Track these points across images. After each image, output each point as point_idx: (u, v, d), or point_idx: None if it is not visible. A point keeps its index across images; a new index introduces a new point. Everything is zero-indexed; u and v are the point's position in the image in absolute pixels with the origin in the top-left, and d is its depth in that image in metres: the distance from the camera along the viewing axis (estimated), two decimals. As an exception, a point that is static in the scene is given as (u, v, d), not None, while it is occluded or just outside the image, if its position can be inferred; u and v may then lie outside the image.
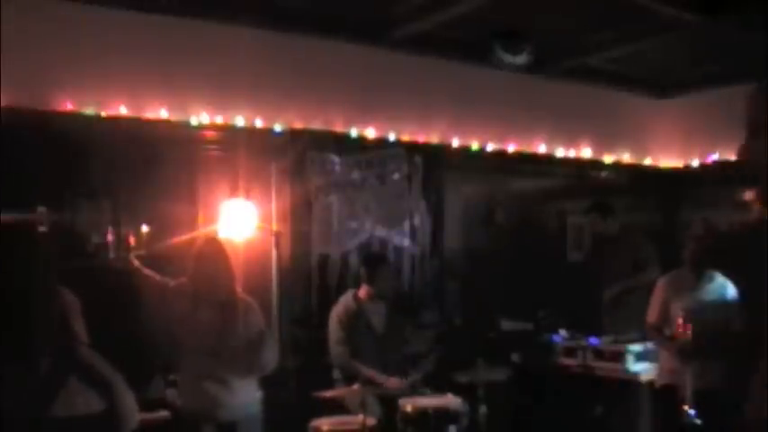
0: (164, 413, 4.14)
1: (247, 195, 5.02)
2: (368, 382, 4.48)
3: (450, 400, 4.51)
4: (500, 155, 6.35)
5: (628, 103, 7.17)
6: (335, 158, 5.59)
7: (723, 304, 4.60)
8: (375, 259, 5.34)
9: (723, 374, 4.40)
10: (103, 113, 4.65)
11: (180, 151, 4.89)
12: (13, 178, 4.05)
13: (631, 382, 5.13)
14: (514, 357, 5.66)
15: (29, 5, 4.35)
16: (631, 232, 6.16)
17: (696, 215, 5.62)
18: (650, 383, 4.96)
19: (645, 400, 5.06)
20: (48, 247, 2.95)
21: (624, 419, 5.14)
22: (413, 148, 5.93)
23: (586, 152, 6.87)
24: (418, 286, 5.97)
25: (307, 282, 5.44)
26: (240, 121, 5.14)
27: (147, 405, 3.75)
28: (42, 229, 3.22)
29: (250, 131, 5.17)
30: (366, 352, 4.92)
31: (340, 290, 5.29)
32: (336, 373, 4.93)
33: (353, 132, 5.64)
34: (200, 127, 5.01)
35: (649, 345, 5.11)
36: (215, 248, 4.19)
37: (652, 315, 4.81)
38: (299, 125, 5.39)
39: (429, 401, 4.50)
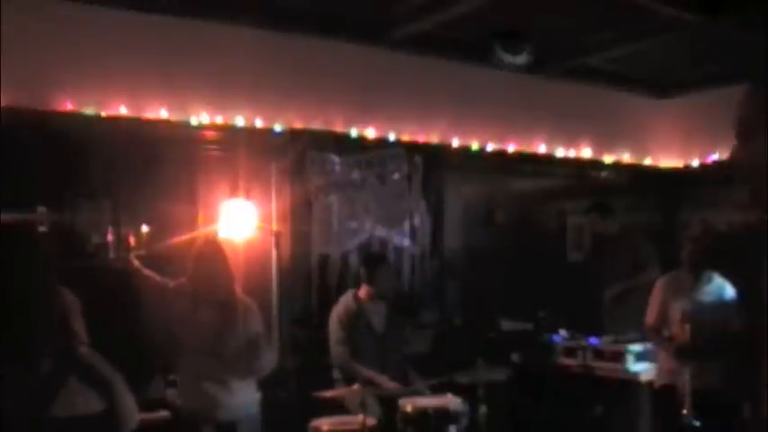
0: (163, 413, 4.14)
1: (247, 195, 5.02)
2: (368, 383, 4.49)
3: (450, 401, 4.50)
4: (500, 155, 6.34)
5: (628, 103, 7.16)
6: (335, 158, 5.59)
7: (721, 305, 4.60)
8: (375, 259, 5.33)
9: (721, 375, 4.40)
10: (103, 113, 4.65)
11: (180, 151, 4.89)
12: (13, 178, 4.05)
13: (631, 382, 5.14)
14: (514, 357, 5.67)
15: (29, 5, 4.35)
16: (631, 232, 6.17)
17: (696, 215, 5.64)
18: (650, 383, 4.96)
19: (645, 401, 5.06)
20: (48, 247, 2.95)
21: (624, 419, 5.15)
22: (413, 148, 5.92)
23: (586, 152, 6.87)
24: (418, 286, 5.96)
25: (307, 282, 5.44)
26: (240, 121, 5.14)
27: (146, 405, 3.75)
28: (42, 229, 3.20)
29: (250, 131, 5.17)
30: (366, 352, 4.92)
31: (340, 290, 5.29)
32: (336, 374, 4.93)
33: (353, 132, 5.64)
34: (200, 127, 5.01)
35: (649, 345, 5.11)
36: (214, 249, 4.20)
37: (651, 316, 4.82)
38: (299, 125, 5.39)
39: (429, 401, 4.49)
